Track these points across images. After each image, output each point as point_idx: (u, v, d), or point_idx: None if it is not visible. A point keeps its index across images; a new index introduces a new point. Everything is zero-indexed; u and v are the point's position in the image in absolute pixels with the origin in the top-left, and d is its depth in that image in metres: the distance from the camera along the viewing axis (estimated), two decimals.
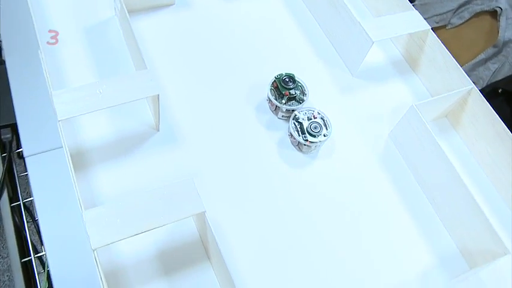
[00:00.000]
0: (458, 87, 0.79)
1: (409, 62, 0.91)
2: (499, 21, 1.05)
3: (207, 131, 0.75)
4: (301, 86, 0.77)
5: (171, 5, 0.88)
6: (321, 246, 0.67)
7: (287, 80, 0.77)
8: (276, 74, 0.77)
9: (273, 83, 0.77)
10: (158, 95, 0.65)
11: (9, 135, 0.72)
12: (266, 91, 0.77)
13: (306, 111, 0.75)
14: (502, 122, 0.74)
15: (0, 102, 0.73)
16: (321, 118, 0.75)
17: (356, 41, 0.83)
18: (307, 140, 0.72)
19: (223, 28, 0.87)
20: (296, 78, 0.77)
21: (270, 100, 0.77)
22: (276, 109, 0.78)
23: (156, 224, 0.55)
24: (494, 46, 1.05)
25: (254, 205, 0.69)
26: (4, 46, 0.78)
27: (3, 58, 0.78)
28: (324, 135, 0.73)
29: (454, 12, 1.12)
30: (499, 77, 1.03)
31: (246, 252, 0.65)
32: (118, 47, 0.80)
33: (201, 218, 0.59)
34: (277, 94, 0.76)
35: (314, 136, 0.72)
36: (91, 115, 0.71)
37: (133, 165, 0.69)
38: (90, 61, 0.78)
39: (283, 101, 0.75)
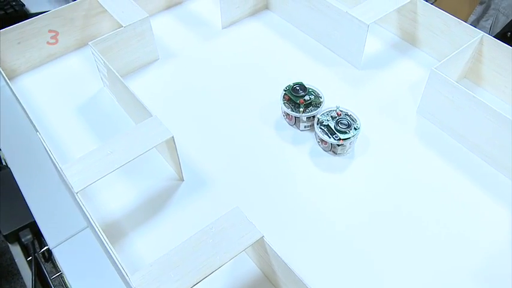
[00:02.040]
0: (467, 41, 0.75)
1: (408, 40, 0.88)
2: None
3: (233, 166, 0.69)
4: (314, 91, 0.73)
5: (156, 60, 0.85)
6: (393, 250, 0.60)
7: (297, 88, 0.73)
8: (283, 87, 0.73)
9: (284, 96, 0.73)
10: (173, 136, 0.60)
11: (29, 236, 0.67)
12: (280, 107, 0.73)
13: (328, 113, 0.70)
14: None
15: (12, 205, 0.68)
16: (345, 114, 0.70)
17: (350, 32, 0.80)
18: (340, 139, 0.67)
19: (213, 66, 0.84)
20: (306, 85, 0.73)
21: (287, 114, 0.73)
22: (296, 121, 0.73)
23: (215, 266, 0.48)
24: (481, 3, 1.02)
25: (308, 224, 0.62)
26: (5, 153, 0.74)
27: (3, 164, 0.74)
28: (355, 128, 0.68)
29: None
30: (498, 31, 1.00)
31: (317, 272, 0.58)
32: (113, 113, 0.77)
33: (261, 247, 0.52)
34: (293, 106, 0.72)
35: (345, 132, 0.67)
36: (109, 186, 0.66)
37: (169, 222, 0.63)
38: (89, 133, 0.74)
39: (301, 110, 0.71)
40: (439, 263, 0.58)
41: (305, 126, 0.73)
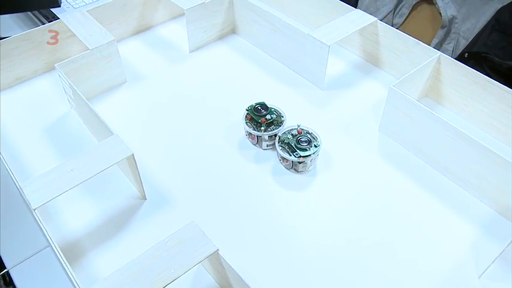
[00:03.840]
0: (426, 60, 0.77)
1: (370, 61, 0.90)
2: (437, 3, 1.08)
3: (196, 184, 0.70)
4: (276, 110, 0.74)
5: (124, 83, 0.86)
6: (354, 259, 0.61)
7: (259, 108, 0.74)
8: (246, 107, 0.75)
9: (246, 116, 0.74)
10: (133, 154, 0.61)
11: None
12: (242, 127, 0.74)
13: (288, 131, 0.71)
14: (483, 75, 0.72)
15: None
16: (306, 132, 0.71)
17: (312, 54, 0.82)
18: (300, 157, 0.68)
19: (180, 88, 0.86)
20: (268, 105, 0.74)
21: (249, 134, 0.74)
22: (259, 140, 0.74)
23: (170, 279, 0.48)
24: (442, 27, 1.06)
25: (266, 239, 0.63)
26: None
27: None
28: (315, 146, 0.69)
29: (393, 12, 1.15)
30: (459, 53, 1.04)
31: (273, 286, 0.58)
32: (79, 134, 0.77)
33: (217, 261, 0.52)
34: (255, 125, 0.73)
35: (305, 150, 0.68)
36: (71, 205, 0.66)
37: (130, 240, 0.62)
38: (54, 153, 0.74)
39: (263, 128, 0.72)
40: (402, 276, 0.58)
41: (267, 145, 0.74)
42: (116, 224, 0.64)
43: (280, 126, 0.73)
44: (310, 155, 0.68)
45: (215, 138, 0.76)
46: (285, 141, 0.70)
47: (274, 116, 0.73)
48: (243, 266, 0.56)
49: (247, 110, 0.74)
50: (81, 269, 0.60)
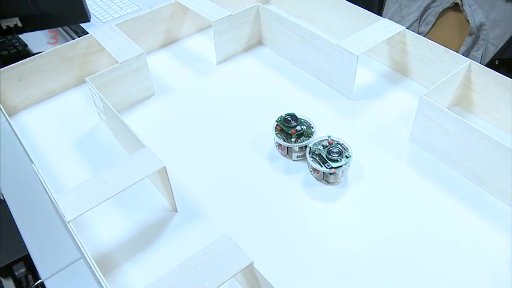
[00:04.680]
0: (456, 68, 0.76)
1: (398, 70, 0.89)
2: (464, 11, 1.06)
3: (226, 196, 0.69)
4: (305, 121, 0.74)
5: (152, 95, 0.87)
6: (386, 273, 0.60)
7: (289, 119, 0.74)
8: (275, 118, 0.75)
9: (276, 127, 0.74)
10: (165, 167, 0.61)
11: (23, 270, 0.67)
12: (272, 138, 0.74)
13: (319, 142, 0.71)
14: None
15: (7, 239, 0.69)
16: (337, 143, 0.70)
17: (341, 64, 0.82)
18: (331, 168, 0.67)
19: (208, 99, 0.86)
20: (298, 116, 0.74)
21: (279, 145, 0.74)
22: (289, 152, 0.74)
23: None
24: (470, 34, 1.05)
25: (298, 251, 0.62)
26: (2, 187, 0.75)
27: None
28: (347, 156, 0.68)
29: (419, 21, 1.14)
30: (488, 60, 1.02)
31: None
32: (109, 146, 0.78)
33: (251, 274, 0.52)
34: (285, 136, 0.73)
35: (337, 161, 0.68)
36: (103, 217, 0.67)
37: (162, 252, 0.63)
38: (85, 165, 0.75)
39: (293, 140, 0.72)
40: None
41: (297, 156, 0.74)
42: (147, 237, 0.65)
43: (311, 137, 0.72)
44: (341, 166, 0.67)
45: (244, 149, 0.76)
46: (316, 152, 0.70)
47: (304, 127, 0.73)
48: (277, 279, 0.56)
49: (277, 121, 0.74)
50: (113, 281, 0.60)
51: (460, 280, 0.58)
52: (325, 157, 0.69)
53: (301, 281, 0.59)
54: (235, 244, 0.52)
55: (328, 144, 0.70)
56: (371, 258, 0.61)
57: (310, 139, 0.72)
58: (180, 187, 0.71)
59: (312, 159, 0.69)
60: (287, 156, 0.75)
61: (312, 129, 0.73)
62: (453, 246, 0.61)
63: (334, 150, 0.69)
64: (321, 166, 0.68)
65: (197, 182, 0.72)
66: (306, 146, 0.72)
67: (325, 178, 0.70)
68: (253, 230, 0.65)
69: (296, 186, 0.70)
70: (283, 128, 0.73)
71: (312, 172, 0.71)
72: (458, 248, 0.61)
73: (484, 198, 0.67)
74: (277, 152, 0.76)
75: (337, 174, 0.69)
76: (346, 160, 0.68)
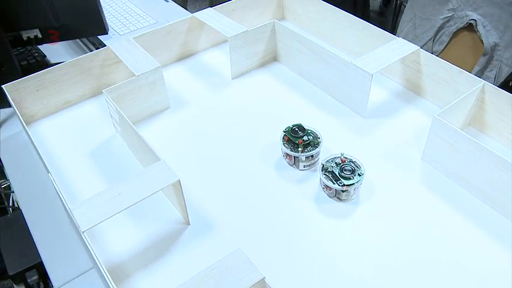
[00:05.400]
0: (470, 89, 0.77)
1: (413, 89, 0.90)
2: (478, 31, 1.07)
3: (238, 209, 0.70)
4: (312, 132, 0.76)
5: (167, 108, 0.88)
6: None
7: (296, 129, 0.75)
8: (283, 129, 0.76)
9: (283, 137, 0.75)
10: (179, 180, 0.62)
11: (35, 277, 0.67)
12: (280, 148, 0.75)
13: (332, 159, 0.71)
14: None
15: (20, 246, 0.70)
16: (350, 160, 0.71)
17: (355, 82, 0.82)
18: (344, 185, 0.67)
19: (222, 113, 0.87)
20: (305, 127, 0.76)
21: (287, 155, 0.75)
22: (296, 161, 0.75)
23: None
24: (484, 54, 1.05)
25: (312, 267, 0.62)
26: (17, 195, 0.76)
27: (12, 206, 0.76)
28: (359, 174, 0.69)
29: (433, 40, 1.15)
30: (502, 80, 1.02)
31: None
32: (123, 158, 0.79)
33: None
34: (292, 146, 0.74)
35: (349, 178, 0.68)
36: (116, 229, 0.68)
37: (174, 265, 0.63)
38: (100, 176, 0.76)
39: (300, 149, 0.73)
40: None
41: (304, 166, 0.75)
42: (159, 248, 0.65)
43: (317, 147, 0.74)
44: (353, 184, 0.68)
45: (256, 163, 0.77)
46: (329, 169, 0.70)
47: (311, 137, 0.75)
48: None
49: (284, 132, 0.76)
50: None
51: None
52: (337, 174, 0.69)
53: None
54: (247, 259, 0.52)
55: (341, 162, 0.71)
56: (380, 275, 0.61)
57: (317, 149, 0.73)
58: (193, 200, 0.71)
59: (324, 176, 0.70)
60: (294, 165, 0.76)
61: (319, 140, 0.75)
62: (465, 267, 0.61)
63: (346, 168, 0.69)
64: (334, 183, 0.68)
65: (209, 195, 0.72)
66: (312, 156, 0.73)
67: (337, 195, 0.70)
68: (264, 245, 0.65)
69: (308, 202, 0.71)
70: (291, 138, 0.74)
71: (324, 189, 0.72)
72: (470, 268, 0.61)
73: (496, 220, 0.67)
74: (286, 164, 0.76)
75: (349, 192, 0.69)
76: (359, 178, 0.68)
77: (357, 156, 0.72)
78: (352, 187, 0.68)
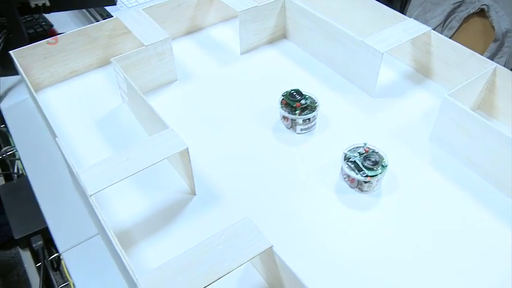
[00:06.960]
0: (481, 72, 0.76)
1: (422, 71, 0.89)
2: (490, 17, 1.06)
3: (245, 180, 0.70)
4: (310, 97, 0.76)
5: (175, 81, 0.88)
6: (412, 280, 0.60)
7: (294, 93, 0.76)
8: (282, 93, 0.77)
9: (281, 101, 0.76)
10: (187, 148, 0.61)
11: (40, 242, 0.67)
12: (278, 111, 0.75)
13: (355, 149, 0.69)
14: None
15: (26, 212, 0.70)
16: (373, 151, 0.69)
17: (365, 60, 0.82)
18: (367, 176, 0.66)
19: (229, 88, 0.87)
20: (303, 92, 0.76)
21: (284, 117, 0.76)
22: (293, 124, 0.76)
23: (222, 272, 0.48)
24: (495, 41, 1.04)
25: (322, 241, 0.62)
26: (24, 162, 0.76)
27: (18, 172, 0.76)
28: (383, 166, 0.67)
29: (443, 25, 1.14)
30: (511, 67, 1.02)
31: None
32: (130, 127, 0.79)
33: (269, 258, 0.52)
34: (289, 109, 0.75)
35: (373, 169, 0.66)
36: (122, 196, 0.67)
37: (179, 233, 0.63)
38: (106, 144, 0.76)
39: (297, 112, 0.74)
40: None
41: (301, 129, 0.76)
42: (165, 217, 0.65)
43: (315, 111, 0.75)
44: (377, 175, 0.66)
45: (264, 134, 0.77)
46: (351, 159, 0.68)
47: (309, 101, 0.75)
48: (294, 265, 0.56)
49: (282, 96, 0.77)
50: (130, 258, 0.60)
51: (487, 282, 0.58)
52: (360, 165, 0.67)
53: (320, 269, 0.59)
54: (256, 227, 0.52)
55: (364, 152, 0.69)
56: (396, 259, 0.61)
57: (314, 112, 0.75)
58: (199, 170, 0.71)
59: (347, 165, 0.68)
60: (291, 129, 0.77)
61: (316, 104, 0.76)
62: (474, 247, 0.61)
63: (370, 159, 0.67)
64: (356, 174, 0.66)
65: (216, 166, 0.72)
66: (309, 119, 0.75)
67: (358, 186, 0.69)
68: (271, 218, 0.65)
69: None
70: (288, 101, 0.75)
71: (346, 179, 0.70)
72: (479, 248, 0.61)
73: (502, 201, 0.67)
74: (296, 136, 0.77)
75: (372, 183, 0.67)
76: (382, 169, 0.66)
77: (363, 135, 0.71)
78: (375, 178, 0.66)
